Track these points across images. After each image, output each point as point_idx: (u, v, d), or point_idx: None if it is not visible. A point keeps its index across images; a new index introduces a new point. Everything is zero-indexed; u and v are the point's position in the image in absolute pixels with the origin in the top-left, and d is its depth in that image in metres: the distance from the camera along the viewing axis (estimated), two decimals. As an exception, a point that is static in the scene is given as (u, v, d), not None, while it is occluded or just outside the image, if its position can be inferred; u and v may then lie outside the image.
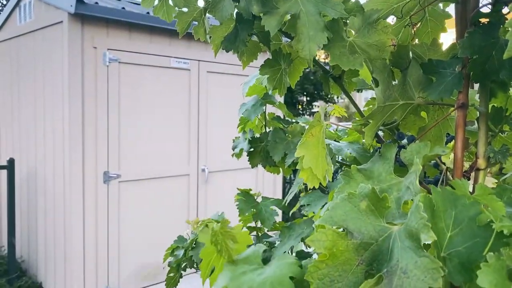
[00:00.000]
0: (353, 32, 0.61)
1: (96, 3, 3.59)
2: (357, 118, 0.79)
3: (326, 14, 0.56)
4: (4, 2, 12.82)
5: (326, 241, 0.46)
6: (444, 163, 0.62)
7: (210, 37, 0.79)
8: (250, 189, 1.25)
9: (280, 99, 4.29)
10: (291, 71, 0.84)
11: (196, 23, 0.78)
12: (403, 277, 0.41)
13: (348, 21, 0.58)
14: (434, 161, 0.77)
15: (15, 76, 4.55)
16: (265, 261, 0.59)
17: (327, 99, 8.99)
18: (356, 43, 0.57)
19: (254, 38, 0.81)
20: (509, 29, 0.36)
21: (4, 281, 4.13)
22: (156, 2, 0.72)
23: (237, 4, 0.60)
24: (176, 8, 0.75)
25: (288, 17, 0.58)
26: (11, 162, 4.08)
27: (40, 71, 4.01)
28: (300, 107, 9.44)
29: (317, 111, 0.69)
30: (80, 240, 3.66)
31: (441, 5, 0.73)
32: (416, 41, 0.72)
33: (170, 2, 0.72)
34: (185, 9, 0.75)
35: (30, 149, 4.30)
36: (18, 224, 4.41)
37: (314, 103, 9.41)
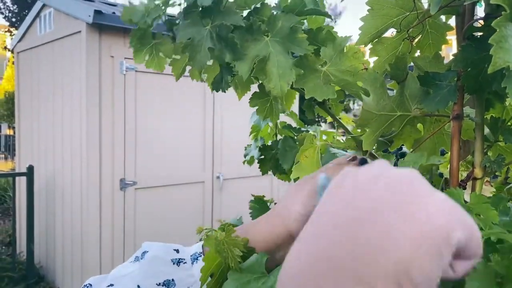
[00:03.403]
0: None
1: (114, 13, 3.66)
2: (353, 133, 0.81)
3: (293, 52, 0.60)
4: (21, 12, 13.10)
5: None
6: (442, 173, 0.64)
7: (206, 76, 0.84)
8: (264, 196, 1.26)
9: (295, 106, 4.28)
10: (285, 98, 0.87)
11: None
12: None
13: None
14: (440, 171, 0.78)
15: (35, 85, 4.65)
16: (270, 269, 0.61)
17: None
18: (330, 72, 0.60)
19: None
20: (494, 44, 0.38)
21: (23, 286, 4.20)
22: (147, 57, 0.78)
23: (213, 53, 0.65)
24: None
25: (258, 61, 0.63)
26: (30, 169, 4.16)
27: (59, 80, 4.10)
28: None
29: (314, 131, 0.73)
30: (97, 246, 3.71)
31: (443, 17, 0.74)
32: (418, 53, 0.73)
33: (161, 54, 0.77)
34: (177, 57, 0.80)
35: (48, 157, 4.39)
36: (37, 230, 4.49)
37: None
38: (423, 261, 0.29)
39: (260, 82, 0.80)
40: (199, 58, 0.64)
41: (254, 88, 0.86)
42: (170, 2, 0.73)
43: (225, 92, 0.80)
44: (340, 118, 1.26)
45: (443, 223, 0.31)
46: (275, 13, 0.63)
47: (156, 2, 0.73)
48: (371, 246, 0.30)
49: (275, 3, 0.72)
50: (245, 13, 0.68)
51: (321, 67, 0.61)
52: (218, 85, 0.78)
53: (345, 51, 0.60)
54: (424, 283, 0.29)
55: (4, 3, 13.52)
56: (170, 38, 0.78)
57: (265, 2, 0.69)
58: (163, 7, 0.73)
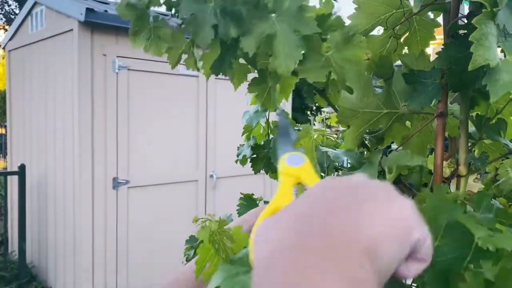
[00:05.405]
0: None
1: (106, 11, 3.64)
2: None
3: (300, 31, 0.58)
4: (17, 11, 12.98)
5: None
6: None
7: (202, 64, 0.82)
8: (253, 194, 1.27)
9: (288, 106, 4.28)
10: (283, 86, 0.86)
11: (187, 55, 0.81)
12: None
13: (328, 36, 0.61)
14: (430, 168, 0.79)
15: (27, 83, 4.63)
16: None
17: (336, 106, 9.02)
18: (333, 58, 0.59)
19: (242, 60, 0.82)
20: (474, 41, 0.38)
21: (15, 286, 4.18)
22: (145, 41, 0.77)
23: (217, 29, 0.63)
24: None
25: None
26: (22, 168, 4.14)
27: (51, 78, 4.08)
28: (309, 113, 9.46)
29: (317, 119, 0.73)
30: (90, 246, 3.70)
31: (431, 14, 0.75)
32: (406, 50, 0.73)
33: (159, 39, 0.77)
34: (174, 45, 0.79)
35: (40, 155, 4.36)
36: (29, 230, 4.46)
37: (323, 109, 9.42)
38: (390, 245, 0.34)
39: (260, 68, 0.78)
40: (203, 35, 0.61)
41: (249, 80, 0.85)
42: None
43: (225, 75, 0.77)
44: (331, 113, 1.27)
45: (409, 221, 0.36)
46: None
47: None
48: (346, 227, 0.33)
49: None
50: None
51: (325, 53, 0.60)
52: (218, 68, 0.74)
53: (351, 39, 0.59)
54: (386, 264, 0.33)
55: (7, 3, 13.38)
56: (168, 23, 0.76)
57: None
58: None
